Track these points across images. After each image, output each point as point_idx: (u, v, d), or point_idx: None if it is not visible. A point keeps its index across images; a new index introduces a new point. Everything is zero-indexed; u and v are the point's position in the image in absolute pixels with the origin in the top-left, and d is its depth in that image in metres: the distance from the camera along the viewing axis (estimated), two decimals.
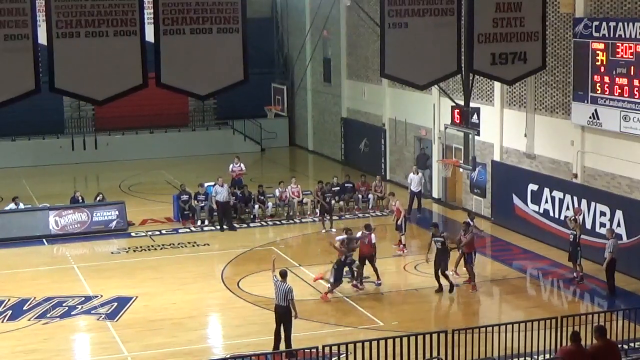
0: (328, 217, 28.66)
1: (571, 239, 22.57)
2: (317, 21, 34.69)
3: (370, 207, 31.09)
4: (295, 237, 28.41)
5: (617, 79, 22.88)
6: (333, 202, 30.62)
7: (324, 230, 28.33)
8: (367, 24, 32.17)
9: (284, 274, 18.55)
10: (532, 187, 26.83)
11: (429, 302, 21.87)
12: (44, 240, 27.91)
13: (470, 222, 23.56)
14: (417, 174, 30.58)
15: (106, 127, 42.30)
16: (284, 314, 18.35)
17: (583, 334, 14.05)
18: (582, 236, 22.97)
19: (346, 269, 22.18)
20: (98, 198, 29.72)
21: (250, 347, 18.53)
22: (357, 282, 22.39)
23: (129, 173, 38.60)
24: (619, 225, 23.18)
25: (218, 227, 28.71)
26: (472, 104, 22.11)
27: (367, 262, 22.44)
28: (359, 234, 22.57)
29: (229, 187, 29.45)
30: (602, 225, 23.65)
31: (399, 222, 25.92)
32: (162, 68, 13.60)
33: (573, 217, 23.08)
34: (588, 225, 24.15)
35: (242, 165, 32.51)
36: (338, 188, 31.19)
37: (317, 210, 29.32)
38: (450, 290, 21.77)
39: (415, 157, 33.61)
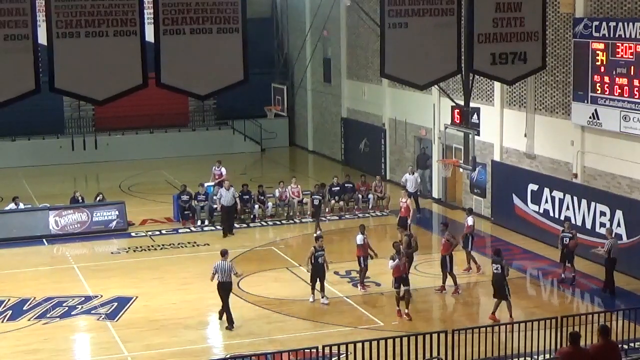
0: (315, 220, 28.18)
1: (566, 242, 22.59)
2: (317, 21, 34.69)
3: (370, 207, 31.07)
4: (295, 237, 28.38)
5: (617, 79, 22.88)
6: (333, 202, 30.63)
7: (319, 232, 27.41)
8: (367, 24, 32.16)
9: (224, 253, 20.42)
10: (532, 187, 26.83)
11: (429, 302, 21.86)
12: (44, 240, 27.91)
13: (469, 218, 23.68)
14: (413, 174, 30.54)
15: (106, 127, 42.31)
16: (228, 289, 20.22)
17: (583, 334, 14.04)
18: (582, 236, 23.01)
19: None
20: (98, 198, 29.72)
21: (250, 347, 18.53)
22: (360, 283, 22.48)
23: (129, 173, 38.59)
24: (619, 225, 23.18)
25: (219, 227, 28.65)
26: (472, 104, 22.08)
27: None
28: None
29: (234, 192, 28.91)
30: (602, 225, 23.64)
31: (408, 220, 25.82)
32: (162, 68, 13.58)
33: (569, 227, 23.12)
34: (588, 225, 24.15)
35: (222, 169, 32.19)
36: (338, 188, 31.18)
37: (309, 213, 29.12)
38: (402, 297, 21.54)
39: (415, 157, 33.63)
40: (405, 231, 22.93)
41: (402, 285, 20.35)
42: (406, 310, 20.32)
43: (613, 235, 22.05)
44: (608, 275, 21.72)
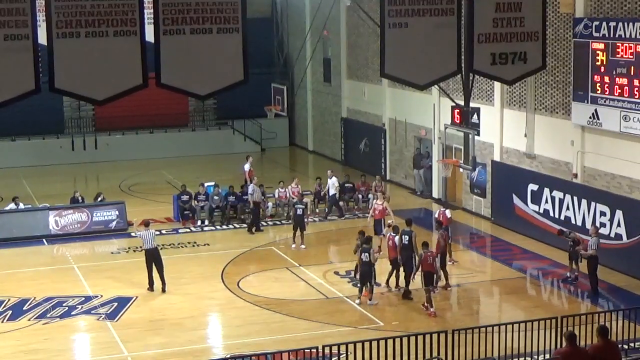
0: (299, 232, 26.33)
1: (570, 243, 22.57)
2: (317, 21, 34.72)
3: (370, 207, 30.99)
4: (295, 237, 28.32)
5: (617, 79, 22.88)
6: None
7: (293, 246, 26.48)
8: (367, 24, 32.16)
9: (147, 223, 23.01)
10: (532, 187, 26.83)
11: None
12: (44, 240, 27.91)
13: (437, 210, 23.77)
14: (331, 177, 30.19)
15: (106, 127, 42.33)
16: (156, 255, 22.58)
17: (583, 334, 14.05)
18: (582, 236, 23.02)
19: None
20: (99, 198, 29.72)
21: (250, 347, 18.53)
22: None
23: (129, 173, 38.59)
24: (619, 225, 23.18)
25: (219, 227, 28.63)
26: (472, 104, 22.09)
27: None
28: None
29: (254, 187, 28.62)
30: (603, 225, 23.64)
31: (382, 224, 25.38)
32: (162, 68, 13.57)
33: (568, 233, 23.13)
34: (588, 225, 24.12)
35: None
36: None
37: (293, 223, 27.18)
38: (405, 296, 21.60)
39: (413, 157, 33.68)
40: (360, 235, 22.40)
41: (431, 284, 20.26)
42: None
43: (597, 234, 22.07)
44: (592, 273, 21.65)
